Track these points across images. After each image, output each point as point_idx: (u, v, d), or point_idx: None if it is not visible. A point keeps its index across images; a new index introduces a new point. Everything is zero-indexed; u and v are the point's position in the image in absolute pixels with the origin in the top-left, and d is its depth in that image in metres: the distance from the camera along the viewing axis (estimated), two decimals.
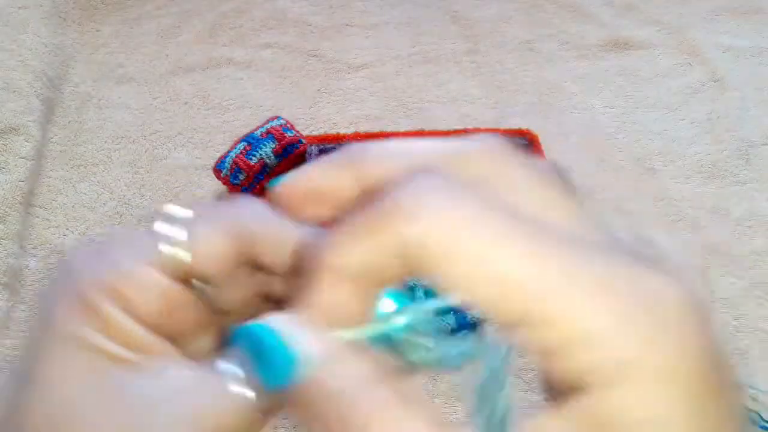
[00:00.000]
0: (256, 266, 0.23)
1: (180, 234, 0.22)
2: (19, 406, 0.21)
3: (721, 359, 0.15)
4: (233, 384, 0.20)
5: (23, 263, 0.73)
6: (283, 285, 0.24)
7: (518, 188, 0.17)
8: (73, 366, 0.21)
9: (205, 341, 0.24)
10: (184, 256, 0.21)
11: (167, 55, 0.91)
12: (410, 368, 0.20)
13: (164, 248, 0.21)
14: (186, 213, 0.22)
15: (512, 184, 0.17)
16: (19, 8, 0.90)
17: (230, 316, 0.25)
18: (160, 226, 0.22)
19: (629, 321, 0.14)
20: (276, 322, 0.18)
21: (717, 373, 0.15)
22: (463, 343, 0.18)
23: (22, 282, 0.72)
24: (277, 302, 0.24)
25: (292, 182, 0.22)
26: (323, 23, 0.94)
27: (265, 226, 0.22)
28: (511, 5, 0.95)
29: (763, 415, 0.64)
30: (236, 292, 0.24)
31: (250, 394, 0.20)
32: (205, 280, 0.23)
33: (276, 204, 0.22)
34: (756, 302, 0.72)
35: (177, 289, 0.22)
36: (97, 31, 0.93)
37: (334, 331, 0.18)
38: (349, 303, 0.18)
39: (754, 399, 0.66)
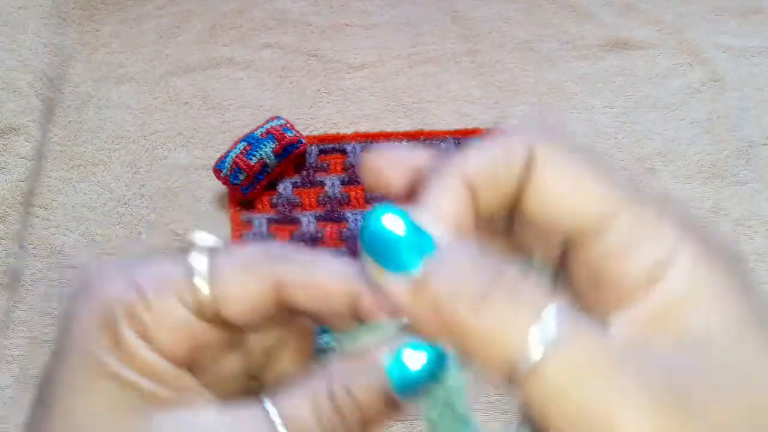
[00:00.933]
0: (290, 308, 0.22)
1: (207, 269, 0.21)
2: None
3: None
4: (274, 426, 0.20)
5: (23, 263, 0.73)
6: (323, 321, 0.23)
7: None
8: (96, 397, 0.20)
9: (227, 367, 0.23)
10: (215, 303, 0.21)
11: (167, 55, 0.91)
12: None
13: (195, 284, 0.20)
14: (214, 242, 0.21)
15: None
16: (19, 8, 0.90)
17: (252, 330, 0.24)
18: (196, 259, 0.21)
19: None
20: (410, 210, 0.19)
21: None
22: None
23: (22, 282, 0.72)
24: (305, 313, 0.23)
25: (382, 151, 0.22)
26: (323, 23, 0.94)
27: (297, 270, 0.21)
28: (511, 5, 0.95)
29: None
30: (267, 337, 0.23)
31: None
32: (236, 323, 0.22)
33: (364, 171, 0.22)
34: None
35: (203, 329, 0.21)
36: (97, 31, 0.93)
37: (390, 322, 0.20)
38: (465, 205, 0.19)
39: None
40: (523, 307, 0.17)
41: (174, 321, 0.20)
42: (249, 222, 0.77)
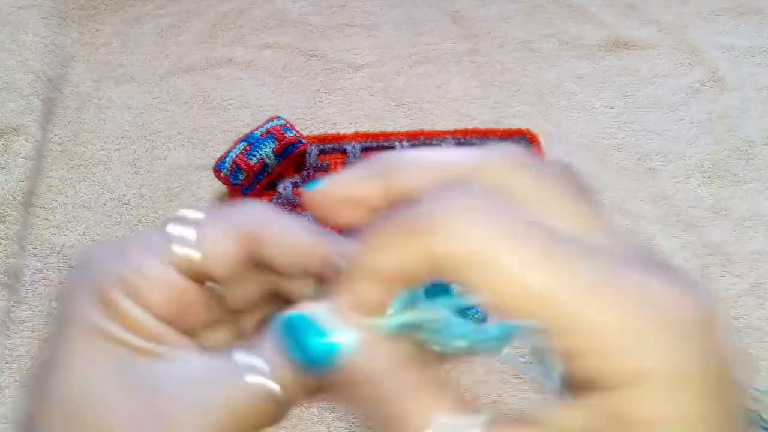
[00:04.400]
0: (265, 267, 0.24)
1: (190, 234, 0.23)
2: (44, 392, 0.22)
3: (731, 366, 0.16)
4: (251, 373, 0.21)
5: (23, 263, 0.73)
6: (291, 284, 0.25)
7: (536, 198, 0.18)
8: (93, 354, 0.22)
9: (218, 337, 0.25)
10: (194, 255, 0.23)
11: (167, 55, 0.91)
12: (443, 354, 0.21)
13: (176, 248, 0.23)
14: (197, 215, 0.24)
15: (530, 194, 0.18)
16: (19, 8, 0.90)
17: (241, 314, 0.26)
18: (172, 228, 0.23)
19: (648, 331, 0.16)
20: (315, 311, 0.20)
21: (727, 380, 0.16)
22: (496, 328, 0.20)
23: (22, 282, 0.72)
24: (285, 301, 0.25)
25: (326, 187, 0.22)
26: (323, 23, 0.94)
27: (273, 228, 0.23)
28: (511, 5, 0.95)
29: (763, 415, 0.64)
30: (246, 292, 0.25)
31: (268, 383, 0.21)
32: (215, 280, 0.24)
33: (309, 208, 0.23)
34: (756, 302, 0.72)
35: (189, 287, 0.23)
36: (97, 31, 0.93)
37: (370, 320, 0.19)
38: (381, 300, 0.19)
39: (754, 399, 0.66)
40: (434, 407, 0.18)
41: (161, 281, 0.22)
42: None
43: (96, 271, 0.23)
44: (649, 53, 0.90)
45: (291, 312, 0.20)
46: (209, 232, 0.23)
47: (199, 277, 0.23)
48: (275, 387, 0.21)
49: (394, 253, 0.19)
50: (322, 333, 0.19)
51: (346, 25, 0.94)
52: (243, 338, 0.26)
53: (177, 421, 0.20)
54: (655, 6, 0.94)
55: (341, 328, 0.19)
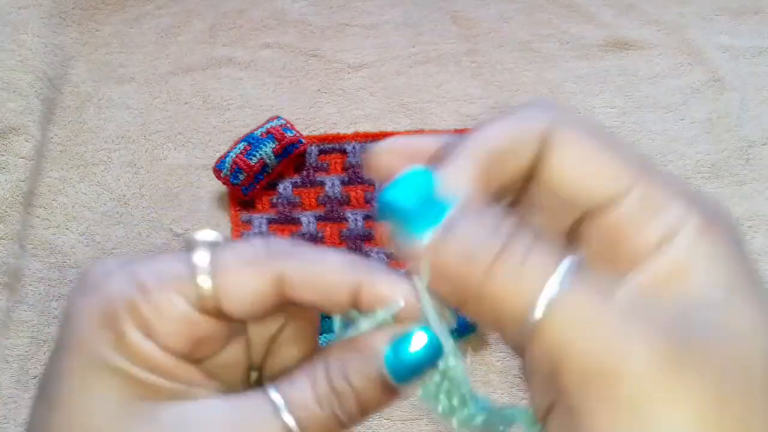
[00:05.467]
0: (292, 302, 0.22)
1: (204, 262, 0.21)
2: None
3: None
4: (280, 415, 0.20)
5: (23, 263, 0.73)
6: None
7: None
8: (100, 393, 0.20)
9: (228, 356, 0.23)
10: (216, 297, 0.21)
11: (167, 55, 0.91)
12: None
13: (201, 281, 0.21)
14: (214, 236, 0.22)
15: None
16: (19, 8, 0.90)
17: (252, 322, 0.24)
18: (198, 256, 0.21)
19: None
20: (428, 172, 0.20)
21: None
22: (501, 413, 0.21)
23: (22, 282, 0.72)
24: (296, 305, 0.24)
25: (390, 142, 0.22)
26: (323, 23, 0.94)
27: (301, 267, 0.21)
28: (511, 5, 0.95)
29: None
30: (268, 330, 0.24)
31: (293, 422, 0.20)
32: (234, 319, 0.22)
33: (372, 162, 0.22)
34: None
35: (204, 323, 0.21)
36: (97, 31, 0.93)
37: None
38: (483, 172, 0.20)
39: None
40: (534, 267, 0.18)
41: (175, 315, 0.20)
42: (249, 222, 0.77)
43: (106, 294, 0.20)
44: (649, 53, 0.90)
45: (405, 172, 0.20)
46: (231, 270, 0.21)
47: (217, 314, 0.21)
48: (296, 428, 0.20)
49: (497, 128, 0.21)
50: (429, 193, 0.19)
51: (346, 25, 0.94)
52: (254, 358, 0.24)
53: None
54: (655, 6, 0.94)
55: (452, 185, 0.19)
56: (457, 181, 0.20)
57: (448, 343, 0.21)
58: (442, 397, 0.21)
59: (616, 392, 0.17)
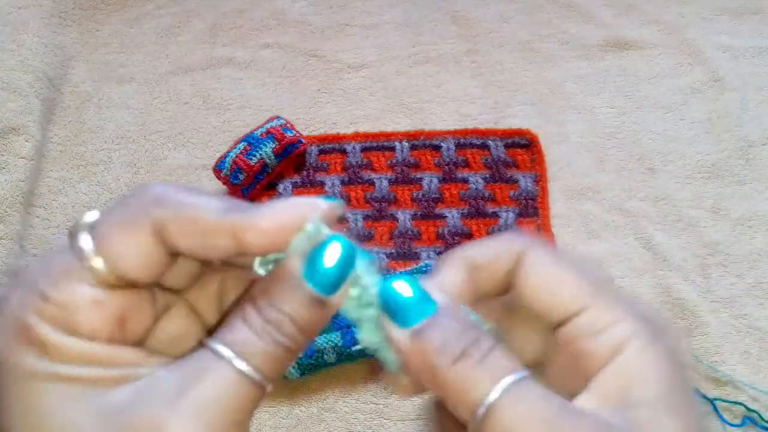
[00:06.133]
0: (175, 252, 0.22)
1: (88, 242, 0.21)
2: None
3: None
4: (231, 363, 0.20)
5: (23, 263, 0.73)
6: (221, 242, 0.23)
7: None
8: (48, 401, 0.19)
9: (175, 327, 0.24)
10: (100, 267, 0.21)
11: (167, 55, 0.91)
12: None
13: (90, 260, 0.20)
14: (94, 216, 0.21)
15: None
16: (19, 8, 0.90)
17: (189, 288, 0.24)
18: (82, 239, 0.21)
19: None
20: (421, 279, 0.24)
21: None
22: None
23: None
24: (226, 264, 0.24)
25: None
26: (323, 23, 0.94)
27: (174, 210, 0.21)
28: (511, 5, 0.95)
29: (763, 415, 0.64)
30: (182, 270, 0.24)
31: (244, 366, 0.20)
32: (138, 283, 0.22)
33: None
34: (756, 302, 0.72)
35: (119, 297, 0.21)
36: (97, 31, 0.93)
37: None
38: (464, 281, 0.25)
39: (754, 399, 0.66)
40: (490, 367, 0.21)
41: (82, 302, 0.20)
42: None
43: (12, 313, 0.20)
44: (649, 53, 0.90)
45: (393, 276, 0.23)
46: (111, 237, 0.21)
47: (124, 283, 0.21)
48: (249, 369, 0.20)
49: (480, 246, 0.26)
50: (423, 292, 0.23)
51: (346, 25, 0.94)
52: (204, 317, 0.24)
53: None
54: (655, 6, 0.94)
55: (434, 292, 0.23)
56: (446, 284, 0.24)
57: (357, 247, 0.23)
58: (356, 303, 0.23)
59: None
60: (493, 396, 0.20)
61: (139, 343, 0.22)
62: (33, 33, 0.88)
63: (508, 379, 0.21)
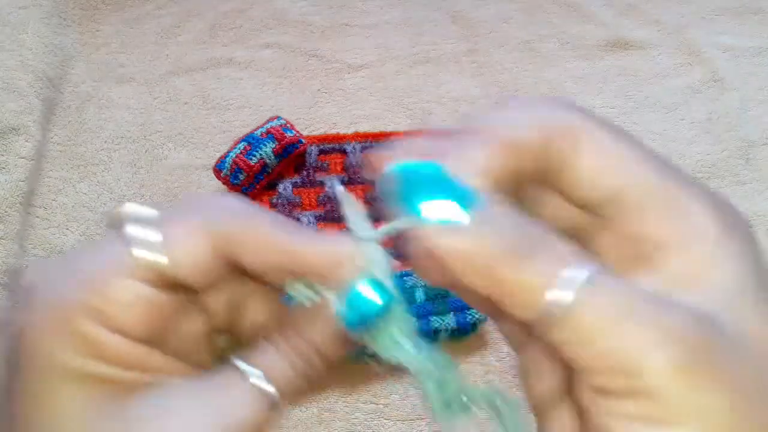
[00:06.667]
0: (237, 267, 0.22)
1: (154, 236, 0.20)
2: None
3: None
4: (253, 385, 0.20)
5: (23, 263, 0.73)
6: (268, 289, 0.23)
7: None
8: (71, 402, 0.19)
9: (189, 329, 0.23)
10: (162, 261, 0.20)
11: (167, 55, 0.91)
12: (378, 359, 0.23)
13: (140, 254, 0.20)
14: (153, 213, 0.21)
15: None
16: (19, 8, 0.90)
17: (222, 316, 0.24)
18: (132, 229, 0.20)
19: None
20: (443, 165, 0.19)
21: None
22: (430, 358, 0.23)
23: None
24: (251, 277, 0.24)
25: (397, 143, 0.21)
26: (323, 23, 0.94)
27: (247, 227, 0.21)
28: (511, 5, 0.95)
29: None
30: (226, 294, 0.23)
31: (271, 388, 0.20)
32: (190, 289, 0.21)
33: (377, 159, 0.21)
34: None
35: (164, 298, 0.20)
36: (97, 31, 0.93)
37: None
38: (501, 164, 0.20)
39: None
40: (560, 261, 0.18)
41: (130, 298, 0.20)
42: None
43: (53, 299, 0.19)
44: (649, 53, 0.90)
45: (420, 162, 0.19)
46: (177, 233, 0.20)
47: (172, 284, 0.21)
48: (275, 393, 0.21)
49: (519, 118, 0.21)
50: (453, 181, 0.19)
51: (346, 25, 0.94)
52: (219, 325, 0.24)
53: None
54: (655, 6, 0.94)
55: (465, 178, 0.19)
56: (480, 168, 0.19)
57: (392, 288, 0.22)
58: (386, 344, 0.23)
59: (635, 402, 0.17)
60: (568, 292, 0.17)
61: (163, 345, 0.22)
62: (33, 33, 0.88)
63: (582, 272, 0.18)
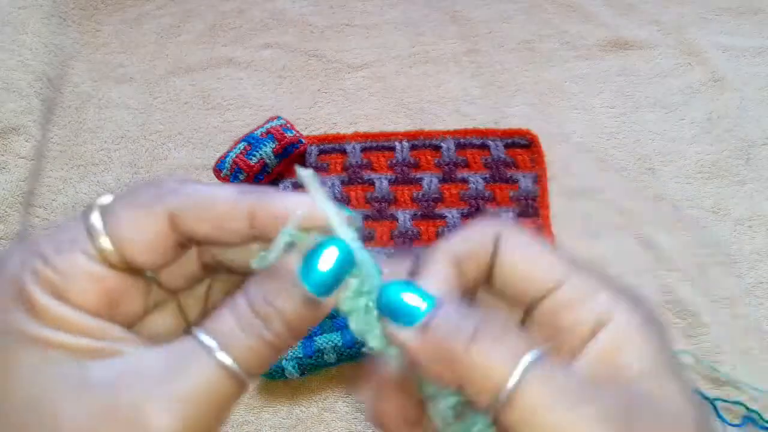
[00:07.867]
0: (191, 240, 0.23)
1: (98, 221, 0.21)
2: None
3: None
4: (214, 354, 0.20)
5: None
6: (232, 253, 0.24)
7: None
8: (25, 365, 0.19)
9: (162, 322, 0.24)
10: (107, 246, 0.21)
11: (167, 55, 0.91)
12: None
13: (98, 236, 0.21)
14: (109, 198, 0.22)
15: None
16: (19, 8, 0.90)
17: (182, 291, 0.25)
18: (94, 217, 0.22)
19: None
20: (415, 281, 0.24)
21: None
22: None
23: None
24: (227, 270, 0.25)
25: None
26: (323, 23, 0.94)
27: (188, 198, 0.22)
28: (511, 5, 0.95)
29: (763, 415, 0.64)
30: (182, 271, 0.24)
31: (228, 359, 0.20)
32: (141, 267, 0.22)
33: None
34: (756, 302, 0.72)
35: (117, 277, 0.21)
36: (97, 31, 0.93)
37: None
38: (453, 275, 0.24)
39: (754, 399, 0.66)
40: (505, 346, 0.21)
41: (81, 273, 0.21)
42: None
43: (8, 271, 0.20)
44: (649, 53, 0.90)
45: (390, 281, 0.23)
46: (123, 218, 0.21)
47: (127, 266, 0.22)
48: (233, 364, 0.21)
49: (460, 239, 0.25)
50: (423, 292, 0.23)
51: (346, 25, 0.94)
52: (189, 317, 0.25)
53: (148, 420, 0.19)
54: (655, 6, 0.94)
55: (431, 289, 0.23)
56: (439, 281, 0.24)
57: (356, 246, 0.23)
58: (353, 304, 0.23)
59: None
60: (514, 378, 0.20)
61: (127, 327, 0.22)
62: (33, 33, 0.88)
63: (527, 358, 0.20)
